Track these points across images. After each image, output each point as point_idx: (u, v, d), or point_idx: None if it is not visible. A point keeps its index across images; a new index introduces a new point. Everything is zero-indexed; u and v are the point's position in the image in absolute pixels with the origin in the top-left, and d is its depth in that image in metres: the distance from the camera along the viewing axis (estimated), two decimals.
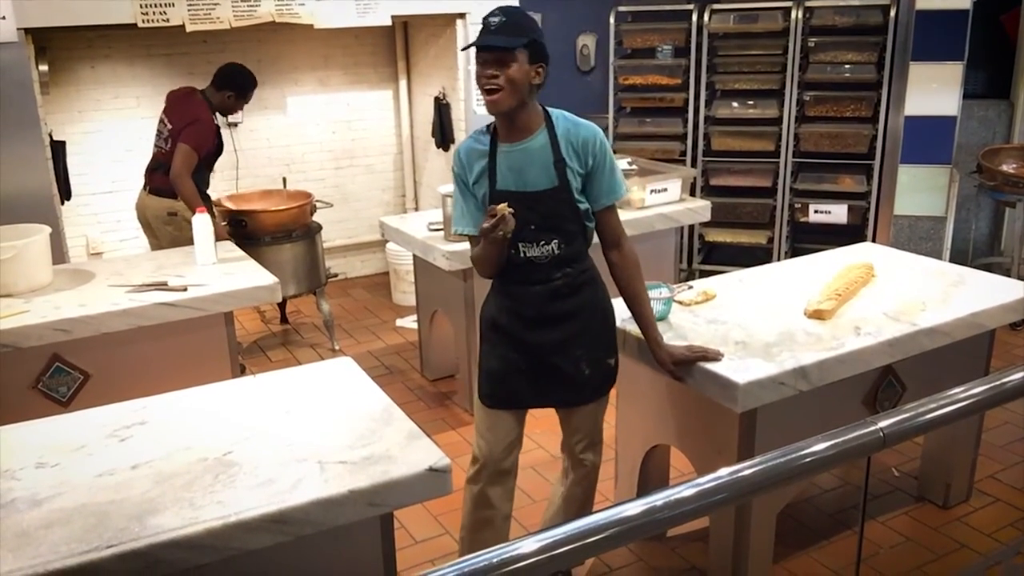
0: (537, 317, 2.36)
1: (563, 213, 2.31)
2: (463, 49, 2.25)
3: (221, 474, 1.88)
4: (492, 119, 2.32)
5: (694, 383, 2.40)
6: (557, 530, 1.20)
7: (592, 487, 2.61)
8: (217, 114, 4.32)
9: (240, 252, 3.65)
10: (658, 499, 1.28)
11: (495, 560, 1.14)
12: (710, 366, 2.34)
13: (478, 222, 2.29)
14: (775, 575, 2.75)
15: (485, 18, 2.21)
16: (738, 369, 2.32)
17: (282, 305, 5.07)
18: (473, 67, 2.27)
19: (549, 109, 2.34)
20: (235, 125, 5.33)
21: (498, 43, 2.16)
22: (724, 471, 1.36)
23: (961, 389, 1.64)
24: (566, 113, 2.36)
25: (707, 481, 1.31)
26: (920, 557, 2.87)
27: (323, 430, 2.05)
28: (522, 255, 2.32)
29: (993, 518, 3.07)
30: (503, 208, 2.13)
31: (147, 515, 1.73)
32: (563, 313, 2.37)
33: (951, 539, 2.96)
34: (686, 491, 1.31)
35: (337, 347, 4.73)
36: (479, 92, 2.28)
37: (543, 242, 2.31)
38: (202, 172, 4.26)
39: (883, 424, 1.53)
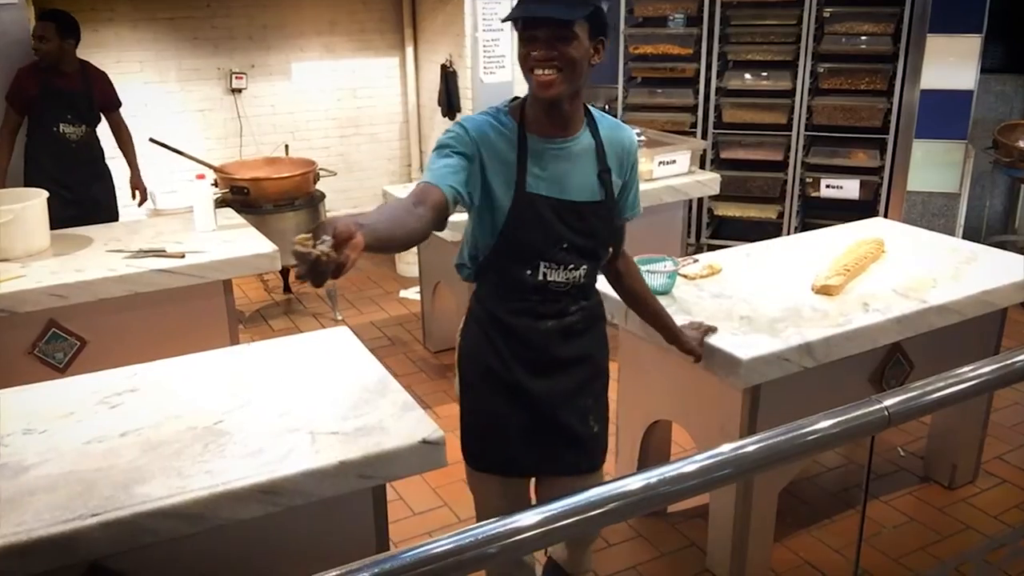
0: (543, 361, 1.92)
1: (601, 234, 1.90)
2: (504, 20, 1.81)
3: (211, 443, 1.84)
4: (508, 95, 1.92)
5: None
6: (556, 503, 1.17)
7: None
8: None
9: (240, 219, 3.60)
10: (658, 474, 1.24)
11: (494, 532, 1.12)
12: (714, 341, 2.29)
13: (458, 181, 1.74)
14: (776, 554, 2.72)
15: None
16: (742, 345, 2.27)
17: (285, 274, 5.03)
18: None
19: (587, 104, 1.91)
20: (238, 91, 5.27)
21: (557, 14, 1.68)
22: (726, 447, 1.32)
23: (969, 368, 1.59)
24: (602, 111, 1.98)
25: (708, 457, 1.28)
26: (924, 538, 2.83)
27: (316, 400, 2.01)
28: (541, 278, 1.85)
29: (999, 500, 3.03)
30: (303, 240, 1.30)
31: (134, 483, 1.69)
32: (573, 357, 1.94)
33: (956, 520, 2.92)
34: (687, 467, 1.28)
35: (339, 317, 4.70)
36: (523, 70, 1.77)
37: (572, 266, 1.86)
38: (39, 127, 4.07)
39: (888, 403, 1.48)
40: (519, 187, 1.81)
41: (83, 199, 4.10)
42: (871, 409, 1.46)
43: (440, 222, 1.71)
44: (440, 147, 1.80)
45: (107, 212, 4.22)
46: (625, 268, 2.14)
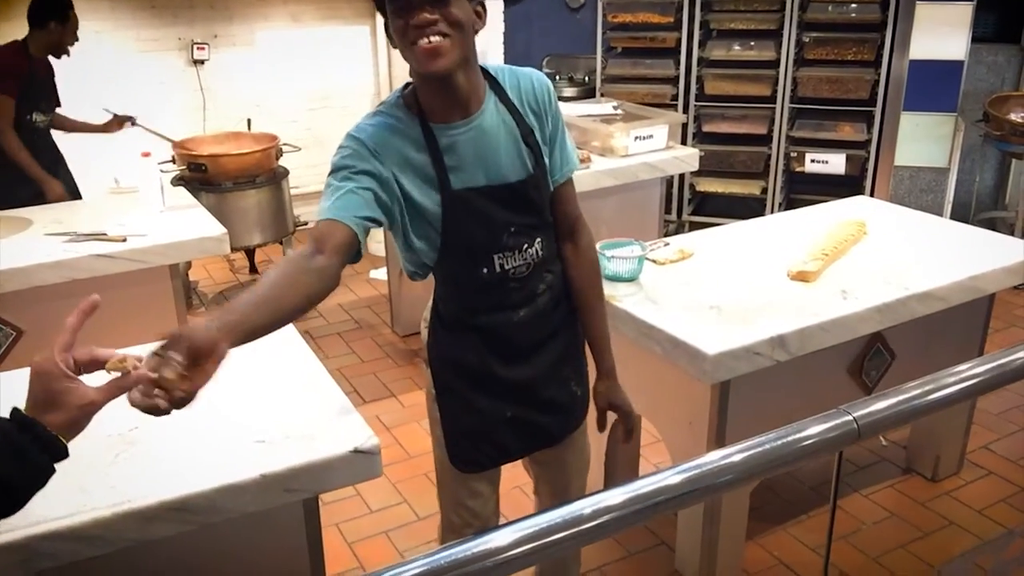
0: (522, 350, 1.79)
1: (542, 202, 1.73)
2: (380, 6, 1.56)
3: (122, 453, 1.68)
4: (396, 91, 1.67)
5: (661, 352, 2.20)
6: (533, 520, 1.08)
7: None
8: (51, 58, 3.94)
9: (191, 200, 3.42)
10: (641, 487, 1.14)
11: (468, 554, 1.03)
12: (679, 334, 2.13)
13: (369, 213, 1.54)
14: (749, 552, 2.59)
15: None
16: (709, 338, 2.10)
17: (251, 254, 4.85)
18: None
19: (482, 65, 1.67)
20: (200, 63, 5.05)
21: None
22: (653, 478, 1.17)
23: (951, 375, 1.44)
24: (496, 63, 1.78)
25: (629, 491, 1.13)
26: (905, 535, 2.70)
27: (244, 403, 1.84)
28: (499, 270, 1.70)
29: (985, 493, 2.90)
30: (117, 364, 1.13)
31: (31, 501, 1.53)
32: (549, 334, 1.81)
33: (938, 515, 2.79)
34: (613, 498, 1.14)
35: None
36: (402, 46, 1.53)
37: (526, 245, 1.71)
38: (30, 117, 3.87)
39: (858, 413, 1.33)
40: (444, 187, 1.62)
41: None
42: (838, 422, 1.31)
43: (351, 259, 1.53)
44: (335, 170, 1.59)
45: (71, 195, 4.01)
46: (573, 257, 1.83)
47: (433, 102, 1.61)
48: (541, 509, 1.14)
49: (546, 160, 1.72)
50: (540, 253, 1.74)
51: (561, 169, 1.76)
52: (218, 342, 1.15)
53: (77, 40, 3.92)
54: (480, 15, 1.60)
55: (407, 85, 1.67)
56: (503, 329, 1.75)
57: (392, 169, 1.60)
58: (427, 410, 1.92)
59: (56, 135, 4.10)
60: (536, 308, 1.77)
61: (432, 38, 1.49)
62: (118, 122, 4.17)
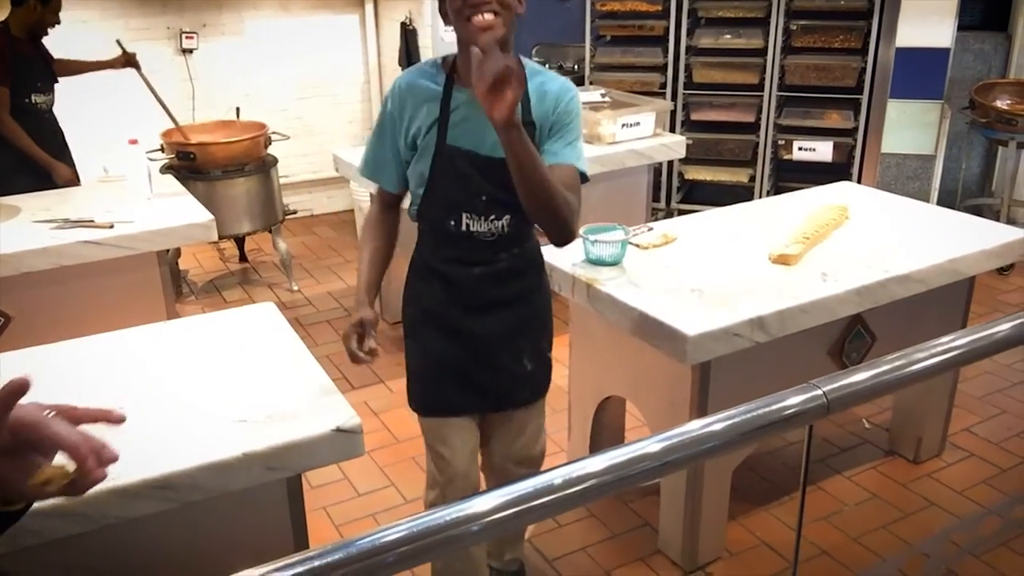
0: (477, 304, 1.98)
1: None
2: None
3: (105, 433, 1.69)
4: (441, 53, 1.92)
5: (642, 334, 2.22)
6: (513, 487, 1.11)
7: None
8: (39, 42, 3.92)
9: (179, 187, 3.42)
10: (620, 455, 1.17)
11: (448, 519, 1.06)
12: (660, 315, 2.16)
13: (384, 169, 1.97)
14: (731, 533, 2.62)
15: None
16: (690, 320, 2.13)
17: (240, 242, 4.87)
18: None
19: (521, 57, 1.83)
20: (189, 52, 5.05)
21: None
22: (637, 444, 1.19)
23: (923, 350, 1.46)
24: (542, 66, 1.98)
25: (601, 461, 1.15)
26: (886, 515, 2.73)
27: (228, 384, 1.86)
28: (464, 228, 1.91)
29: (966, 474, 2.93)
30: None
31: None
32: (507, 299, 1.99)
33: (920, 496, 2.82)
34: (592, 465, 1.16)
35: (295, 288, 4.55)
36: (456, 22, 1.75)
37: (493, 217, 1.90)
38: (29, 100, 3.84)
39: (827, 388, 1.36)
40: (440, 140, 1.87)
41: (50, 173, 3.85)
42: (807, 396, 1.34)
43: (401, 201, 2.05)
44: (378, 125, 1.97)
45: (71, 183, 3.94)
46: None
47: (465, 67, 1.83)
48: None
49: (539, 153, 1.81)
50: (507, 230, 1.92)
51: (552, 155, 1.85)
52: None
53: (59, 22, 3.89)
54: (523, 1, 1.80)
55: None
56: (462, 280, 1.97)
57: (411, 114, 1.89)
58: None
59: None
60: (493, 269, 1.96)
61: (486, 15, 1.71)
62: (124, 58, 4.09)
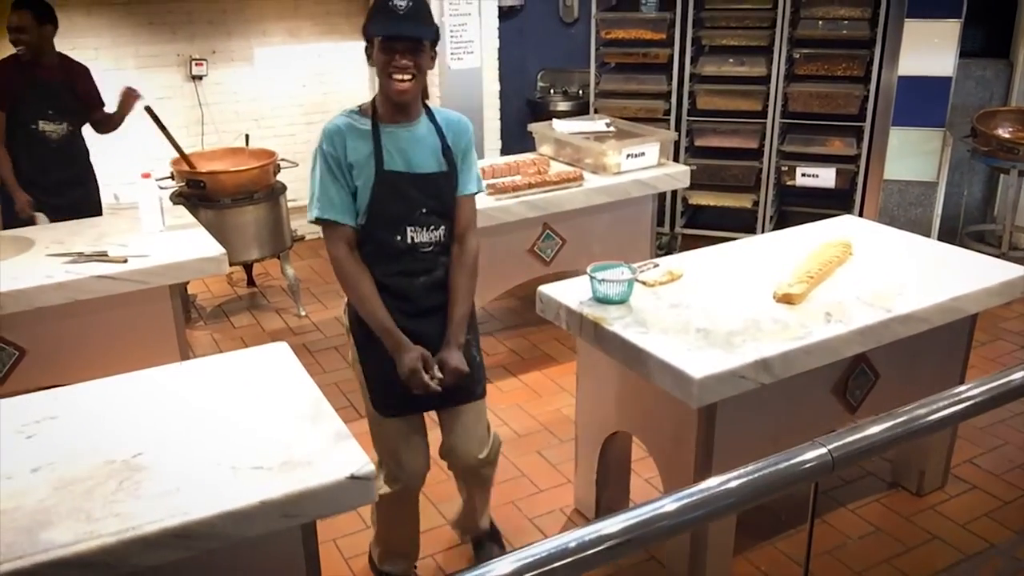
0: (422, 309, 2.29)
1: (448, 199, 2.30)
2: (369, 38, 2.18)
3: (126, 480, 1.74)
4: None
5: (648, 375, 2.26)
6: (532, 549, 1.15)
7: (490, 486, 2.61)
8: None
9: (191, 219, 3.47)
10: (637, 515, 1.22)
11: None
12: (667, 357, 2.19)
13: (346, 208, 2.21)
14: (736, 567, 2.65)
15: (390, 0, 2.12)
16: (696, 361, 2.17)
17: (249, 269, 4.91)
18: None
19: (425, 102, 2.35)
20: (199, 79, 5.11)
21: (415, 33, 2.14)
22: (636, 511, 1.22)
23: (923, 406, 1.50)
24: (438, 108, 2.39)
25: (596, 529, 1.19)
26: (889, 549, 2.76)
27: (243, 429, 1.90)
28: (409, 241, 2.25)
29: (969, 507, 2.96)
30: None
31: (39, 528, 1.59)
32: (443, 303, 2.32)
33: (923, 530, 2.85)
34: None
35: (303, 313, 4.58)
36: (381, 74, 2.17)
37: (433, 227, 2.27)
38: (17, 125, 3.78)
39: (832, 445, 1.40)
40: (379, 167, 2.19)
41: (60, 205, 3.76)
42: (813, 455, 1.38)
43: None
44: (321, 156, 2.20)
45: (88, 210, 3.88)
46: (457, 253, 2.32)
47: (388, 109, 2.23)
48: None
49: (456, 172, 2.30)
50: (443, 239, 2.30)
51: (463, 186, 2.32)
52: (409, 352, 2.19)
53: (51, 47, 3.82)
54: (434, 59, 2.25)
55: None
56: (407, 290, 2.27)
57: (350, 152, 2.19)
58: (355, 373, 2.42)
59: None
60: (434, 277, 2.30)
61: (405, 76, 2.14)
62: (129, 97, 3.99)
